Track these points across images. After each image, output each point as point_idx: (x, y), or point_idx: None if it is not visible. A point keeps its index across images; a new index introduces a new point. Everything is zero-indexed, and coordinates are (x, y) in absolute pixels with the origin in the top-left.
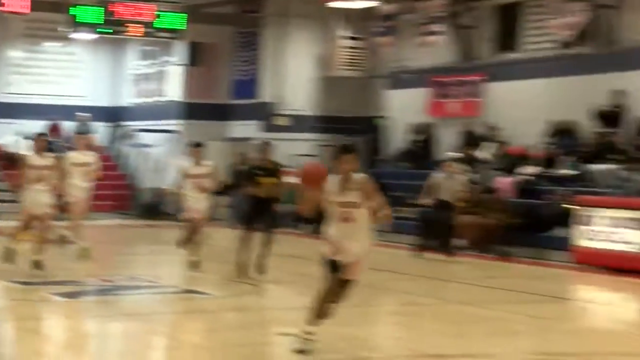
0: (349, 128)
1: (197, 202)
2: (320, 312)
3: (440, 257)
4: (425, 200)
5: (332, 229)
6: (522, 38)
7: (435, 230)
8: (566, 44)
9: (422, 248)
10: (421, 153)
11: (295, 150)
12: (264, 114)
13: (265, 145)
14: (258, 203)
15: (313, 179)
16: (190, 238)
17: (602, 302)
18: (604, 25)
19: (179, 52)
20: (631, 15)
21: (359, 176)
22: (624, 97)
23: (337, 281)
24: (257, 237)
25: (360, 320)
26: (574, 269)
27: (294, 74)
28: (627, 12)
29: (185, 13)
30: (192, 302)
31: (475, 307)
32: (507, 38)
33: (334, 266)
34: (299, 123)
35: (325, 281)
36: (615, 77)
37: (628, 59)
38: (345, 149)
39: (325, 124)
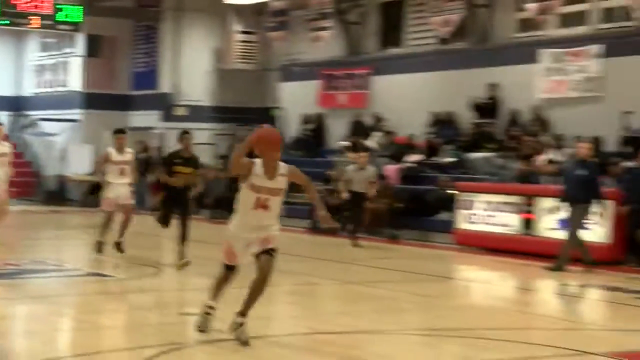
0: (245, 118)
1: (120, 189)
2: (220, 291)
3: (345, 241)
4: (344, 194)
5: (245, 216)
6: (405, 34)
7: (348, 219)
8: (445, 40)
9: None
10: (313, 142)
11: (193, 140)
12: (163, 104)
13: (184, 135)
14: (174, 191)
15: (267, 143)
16: (109, 224)
17: (482, 280)
18: (479, 22)
19: (79, 44)
20: (503, 14)
21: (286, 165)
22: (498, 90)
23: (259, 264)
24: (174, 224)
25: (259, 300)
26: (456, 250)
27: (192, 66)
28: (499, 11)
29: (82, 6)
30: (97, 284)
31: (366, 286)
32: (391, 34)
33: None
34: (197, 113)
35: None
36: (490, 71)
37: (500, 55)
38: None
39: (222, 114)
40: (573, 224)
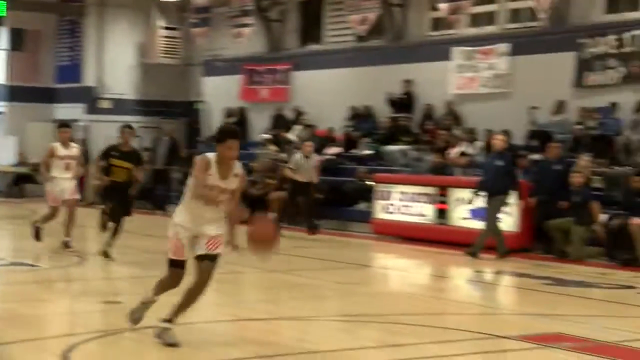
0: (168, 111)
1: (64, 184)
2: (164, 292)
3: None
4: (291, 176)
5: (193, 208)
6: (325, 31)
7: (299, 210)
8: (362, 38)
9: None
10: None
11: (117, 132)
12: (87, 97)
13: (125, 129)
14: (115, 186)
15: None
16: (52, 218)
17: (398, 268)
18: (394, 21)
19: (2, 38)
20: (417, 13)
21: (238, 165)
22: (413, 86)
23: (199, 264)
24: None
25: (179, 288)
26: (374, 239)
27: (116, 60)
28: (413, 10)
29: (5, 1)
30: (21, 274)
31: (287, 274)
32: (311, 31)
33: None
34: (121, 106)
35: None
36: (405, 68)
37: (415, 52)
38: (232, 134)
39: (146, 107)
40: (491, 213)
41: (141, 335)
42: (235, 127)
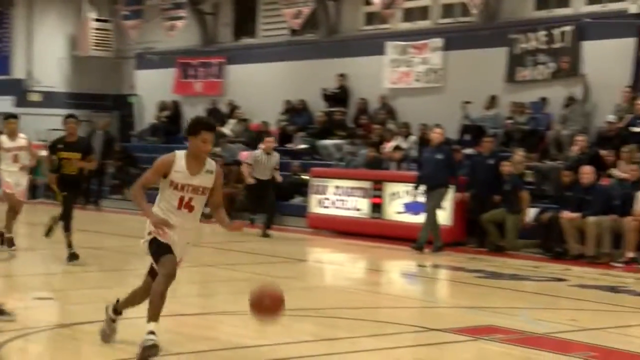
0: (101, 105)
1: (12, 177)
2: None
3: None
4: (250, 179)
5: (167, 214)
6: (259, 25)
7: (260, 207)
8: (296, 31)
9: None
10: (169, 128)
11: (47, 125)
12: (16, 90)
13: (67, 119)
14: (67, 179)
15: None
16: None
17: (333, 262)
18: (329, 15)
19: None
20: (351, 7)
21: (212, 161)
22: (347, 80)
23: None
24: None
25: (115, 283)
26: (310, 233)
27: (45, 52)
28: (347, 4)
29: None
30: None
31: (222, 269)
32: (245, 25)
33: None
34: (52, 99)
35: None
36: (340, 62)
37: (349, 47)
38: (207, 126)
39: (77, 100)
40: (431, 207)
41: (74, 332)
42: (211, 119)
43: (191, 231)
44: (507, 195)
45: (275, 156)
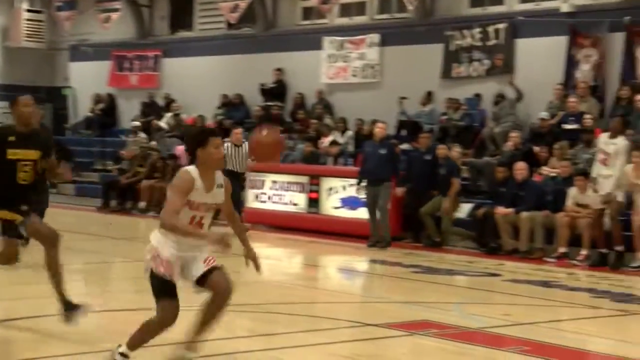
0: (33, 97)
1: None
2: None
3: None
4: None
5: (175, 239)
6: (196, 18)
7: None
8: (233, 25)
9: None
10: (104, 122)
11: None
12: None
13: (23, 100)
14: (10, 185)
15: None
16: None
17: (270, 257)
18: (266, 9)
19: None
20: (288, 1)
21: (220, 173)
22: (284, 75)
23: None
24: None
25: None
26: (247, 228)
27: None
28: None
29: None
30: None
31: None
32: (181, 17)
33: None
34: None
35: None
36: (277, 56)
37: (286, 41)
38: (212, 132)
39: (9, 92)
40: (384, 202)
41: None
42: (209, 127)
43: (199, 246)
44: (442, 180)
45: (245, 147)
